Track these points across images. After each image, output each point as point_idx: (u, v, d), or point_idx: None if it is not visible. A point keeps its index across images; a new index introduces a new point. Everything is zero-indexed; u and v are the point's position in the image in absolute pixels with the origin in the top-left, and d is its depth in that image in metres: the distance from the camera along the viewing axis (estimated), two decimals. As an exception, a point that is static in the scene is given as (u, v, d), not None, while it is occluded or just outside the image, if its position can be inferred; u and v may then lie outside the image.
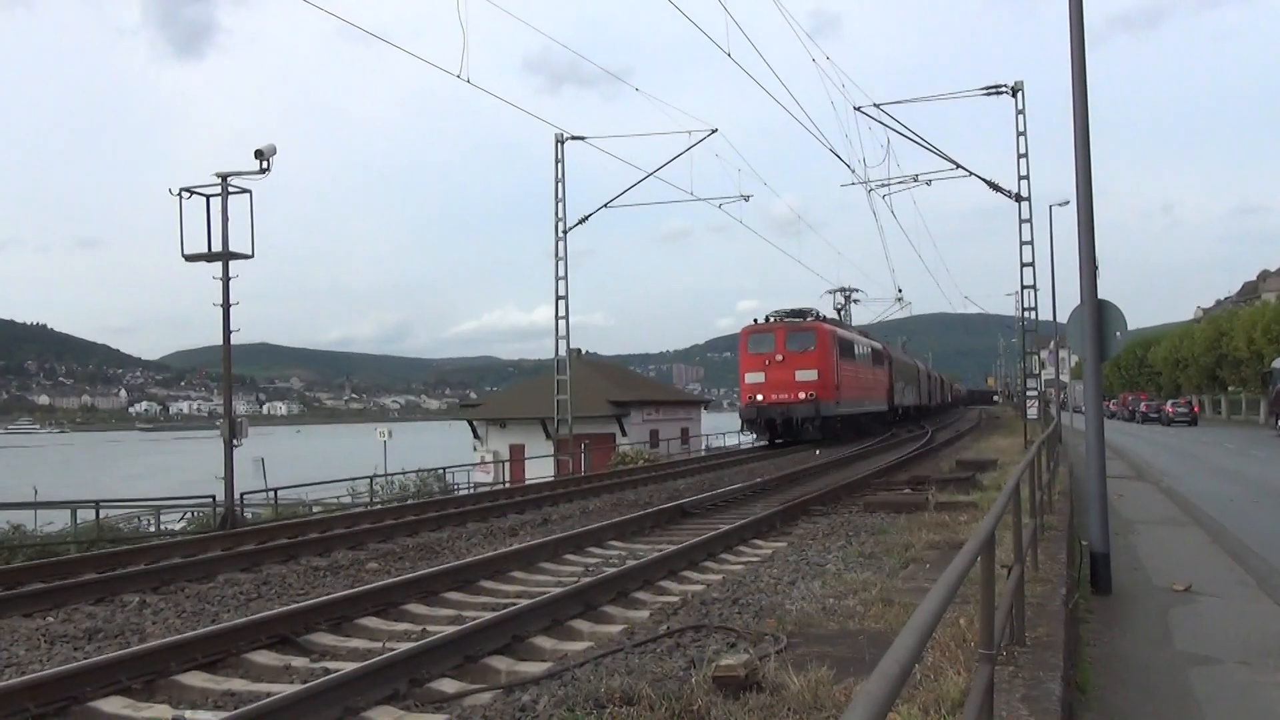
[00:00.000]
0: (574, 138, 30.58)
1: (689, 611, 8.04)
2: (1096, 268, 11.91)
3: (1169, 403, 71.66)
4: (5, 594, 9.76)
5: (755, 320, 36.38)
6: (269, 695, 5.95)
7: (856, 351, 39.82)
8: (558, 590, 8.81)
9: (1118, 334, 11.98)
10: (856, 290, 53.67)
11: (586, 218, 31.58)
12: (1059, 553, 9.85)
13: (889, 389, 47.53)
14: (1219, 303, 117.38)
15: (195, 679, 6.74)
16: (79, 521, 22.79)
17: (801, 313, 36.24)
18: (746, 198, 32.35)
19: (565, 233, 30.99)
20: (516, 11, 19.72)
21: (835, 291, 52.84)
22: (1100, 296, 11.90)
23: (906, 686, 3.80)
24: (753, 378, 34.74)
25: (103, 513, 24.30)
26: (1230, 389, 76.98)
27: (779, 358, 34.21)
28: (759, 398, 34.31)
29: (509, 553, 11.27)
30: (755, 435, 37.26)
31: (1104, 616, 10.23)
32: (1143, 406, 73.50)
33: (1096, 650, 8.89)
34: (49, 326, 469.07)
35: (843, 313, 51.41)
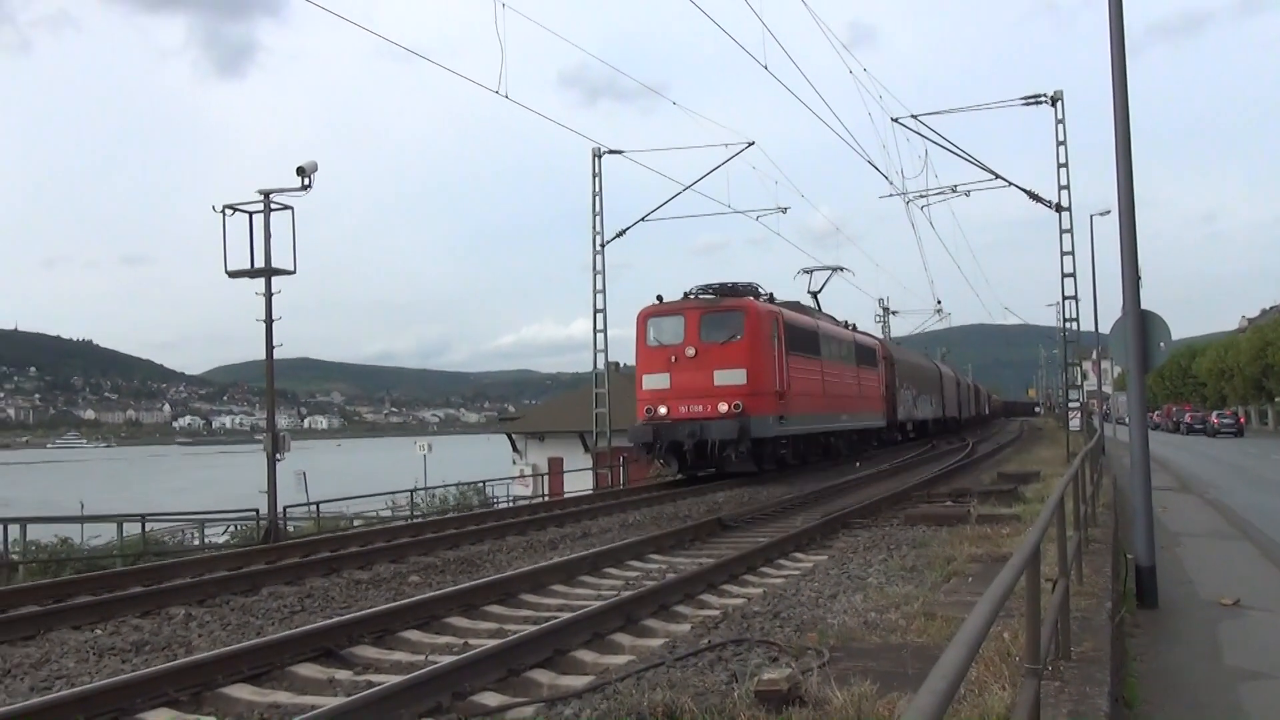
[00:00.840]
0: (611, 151, 30.59)
1: (730, 625, 8.02)
2: (1139, 277, 11.81)
3: (1214, 414, 70.78)
4: (54, 606, 9.91)
5: (660, 299, 25.13)
6: (314, 708, 5.99)
7: (823, 346, 29.16)
8: (598, 604, 8.81)
9: (1161, 344, 11.85)
10: (843, 269, 37.00)
11: (624, 231, 31.52)
12: (1104, 566, 9.74)
13: (886, 398, 37.67)
14: (1264, 312, 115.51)
15: (241, 691, 6.80)
16: (125, 535, 23.18)
17: (730, 289, 25.56)
18: (784, 210, 32.12)
19: (603, 246, 31.01)
20: (554, 27, 19.87)
21: (812, 271, 35.51)
22: (1143, 307, 11.79)
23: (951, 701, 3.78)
24: (653, 382, 24.43)
25: (148, 526, 24.75)
26: (1277, 399, 75.75)
27: (690, 352, 23.95)
28: (660, 411, 23.98)
29: (549, 566, 11.28)
30: (662, 464, 25.84)
31: (1151, 631, 10.09)
32: (1187, 417, 72.63)
33: (1144, 665, 8.77)
34: (95, 342, 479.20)
35: (820, 299, 35.86)
